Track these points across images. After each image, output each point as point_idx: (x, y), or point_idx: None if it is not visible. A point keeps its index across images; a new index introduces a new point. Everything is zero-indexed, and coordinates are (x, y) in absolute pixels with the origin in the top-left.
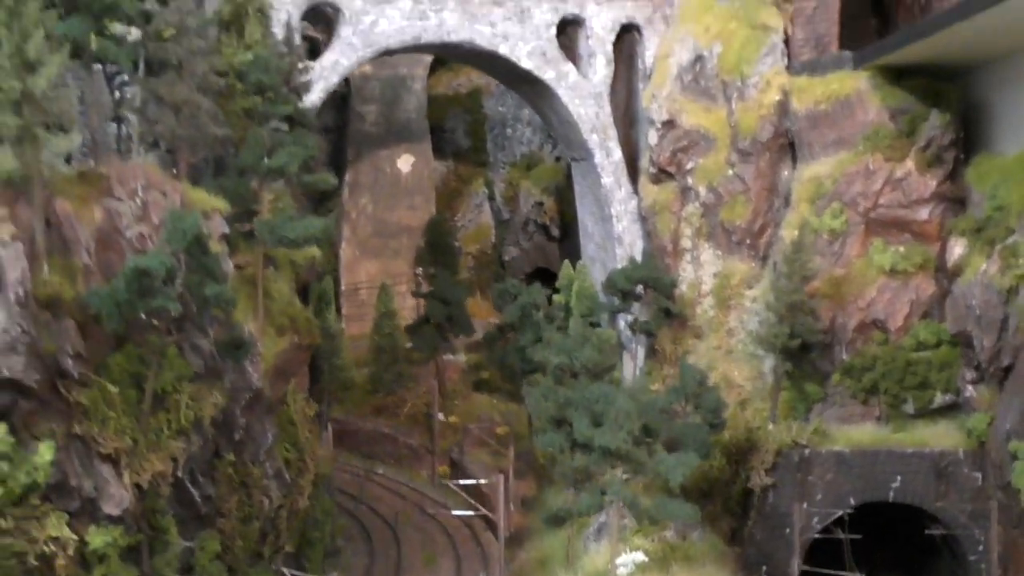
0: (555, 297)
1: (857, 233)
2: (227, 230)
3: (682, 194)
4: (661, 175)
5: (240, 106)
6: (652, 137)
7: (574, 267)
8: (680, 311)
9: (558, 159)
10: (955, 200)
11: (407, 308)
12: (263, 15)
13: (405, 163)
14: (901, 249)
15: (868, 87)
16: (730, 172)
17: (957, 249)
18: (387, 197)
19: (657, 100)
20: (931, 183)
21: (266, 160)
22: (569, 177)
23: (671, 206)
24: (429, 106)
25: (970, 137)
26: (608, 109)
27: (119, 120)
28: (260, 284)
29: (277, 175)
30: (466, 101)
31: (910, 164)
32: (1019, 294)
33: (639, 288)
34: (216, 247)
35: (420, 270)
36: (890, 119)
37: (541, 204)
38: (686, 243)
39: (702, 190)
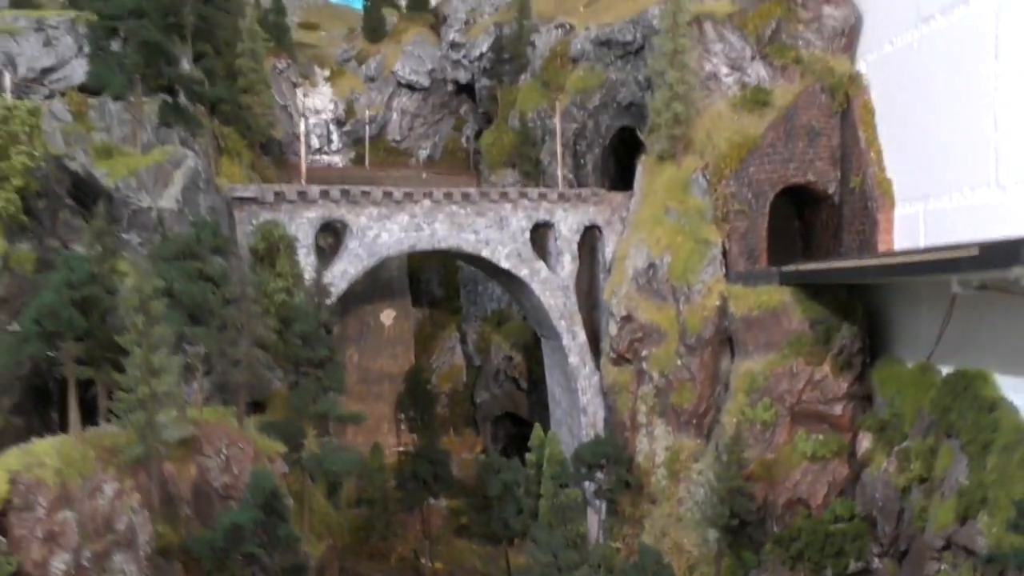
0: (528, 456)
1: (784, 423)
2: (287, 470)
3: (638, 376)
4: (620, 359)
5: (285, 351)
6: (612, 328)
7: (544, 429)
8: (637, 480)
9: (524, 318)
10: (863, 398)
11: (389, 448)
12: (291, 247)
13: (387, 317)
14: (820, 438)
15: (792, 300)
16: (679, 362)
17: (864, 442)
18: (371, 348)
19: (617, 296)
20: (843, 384)
21: (312, 406)
22: (536, 338)
23: (629, 386)
24: (408, 261)
25: (875, 343)
26: (574, 299)
27: (189, 368)
28: (306, 502)
29: (322, 417)
30: (441, 258)
31: (827, 368)
32: (912, 492)
33: (602, 461)
34: (281, 486)
35: (401, 414)
36: (809, 328)
37: (511, 358)
38: (642, 419)
39: (655, 375)
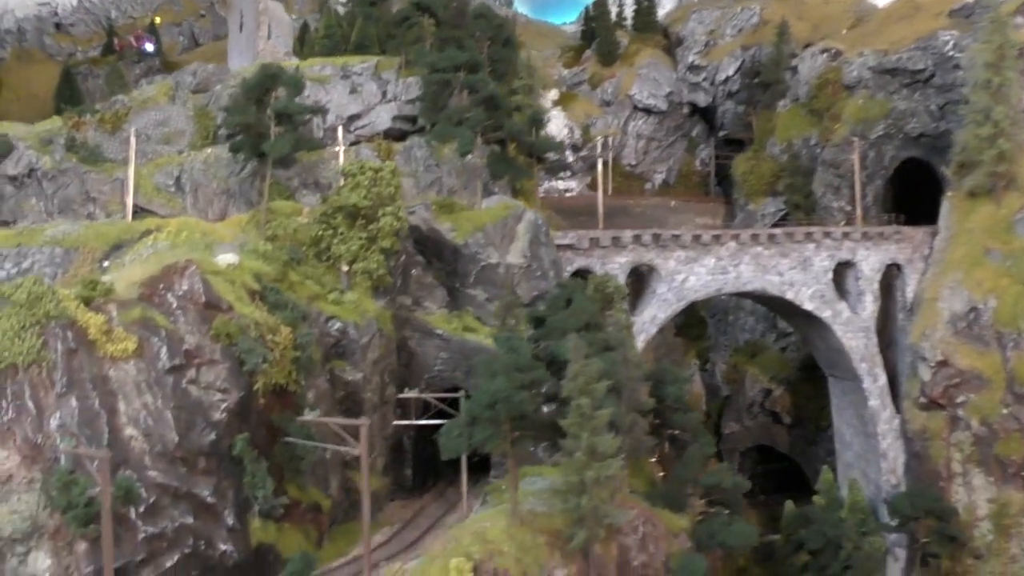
0: (815, 500)
1: None
2: (690, 544)
3: (952, 423)
4: (931, 405)
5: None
6: (924, 372)
7: (834, 472)
8: (959, 534)
9: (783, 349)
10: None
11: None
12: (624, 299)
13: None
14: None
15: None
16: (1005, 411)
17: None
18: None
19: (929, 340)
20: None
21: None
22: (804, 373)
23: (941, 433)
24: None
25: None
26: (875, 340)
27: None
28: None
29: (711, 488)
30: None
31: None
32: None
33: (920, 513)
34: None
35: None
36: None
37: (769, 391)
38: (957, 468)
39: (974, 423)
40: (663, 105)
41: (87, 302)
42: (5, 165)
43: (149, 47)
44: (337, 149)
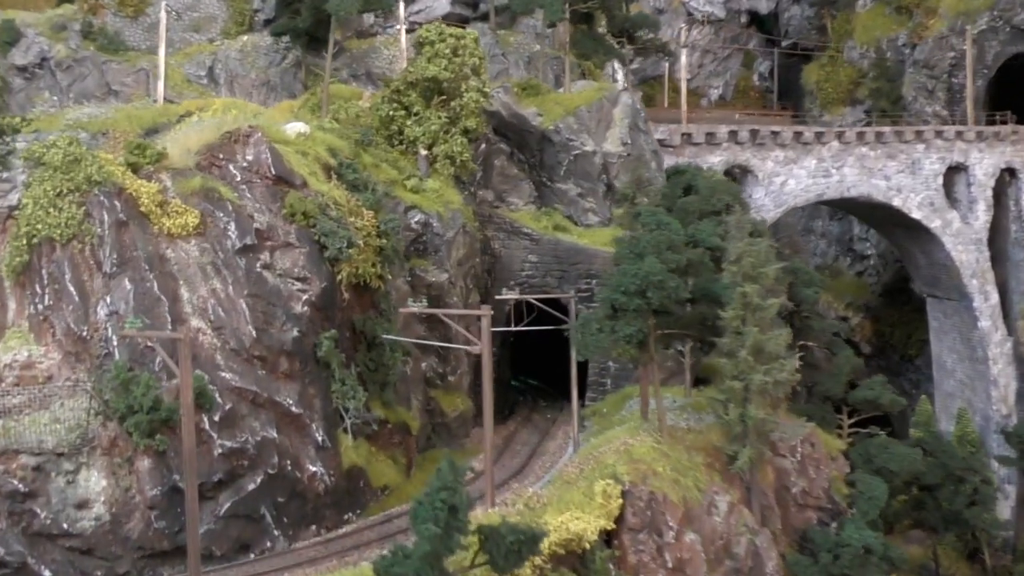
0: (912, 433)
1: None
2: (849, 471)
3: None
4: None
5: None
6: None
7: (931, 401)
8: None
9: (859, 274)
10: None
11: None
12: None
13: None
14: None
15: None
16: None
17: None
18: None
19: None
20: None
21: None
22: (885, 297)
23: None
24: None
25: None
26: (987, 254)
27: None
28: None
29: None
30: None
31: None
32: None
33: None
34: None
35: None
36: None
37: (845, 319)
38: None
39: None
40: (720, 12)
41: (135, 169)
42: (13, 54)
43: None
44: (395, 30)
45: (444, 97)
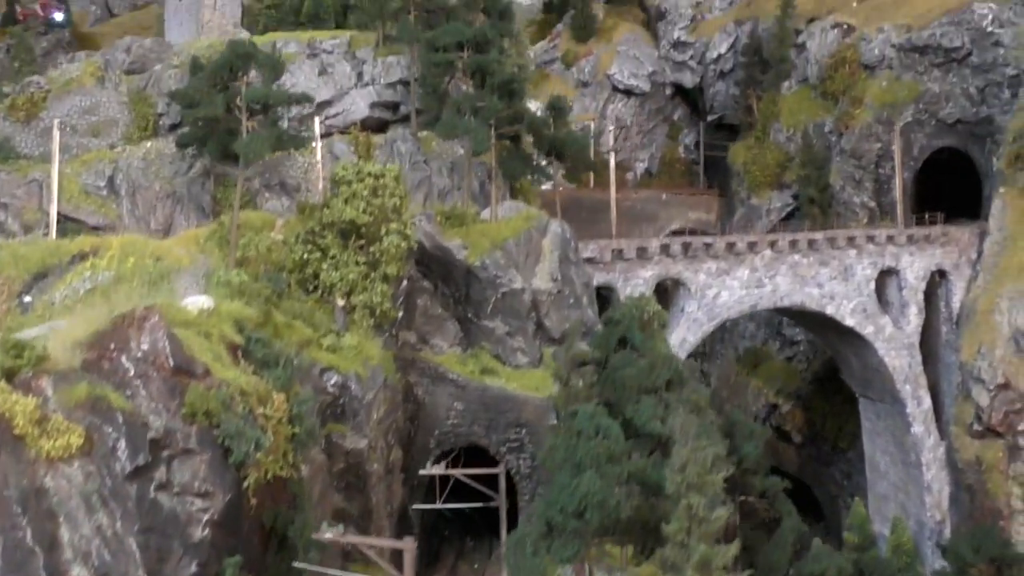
0: (845, 536)
1: None
2: None
3: (1011, 453)
4: (987, 432)
5: None
6: (981, 396)
7: (864, 506)
8: None
9: (789, 359)
10: None
11: None
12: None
13: None
14: None
15: None
16: None
17: None
18: None
19: (986, 359)
20: None
21: None
22: (816, 385)
23: (998, 464)
24: None
25: None
26: (919, 358)
27: None
28: None
29: None
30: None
31: None
32: None
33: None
34: None
35: None
36: None
37: (775, 406)
38: (1017, 503)
39: None
40: (645, 86)
41: (10, 376)
42: None
43: (58, 16)
44: (314, 146)
45: (363, 241)
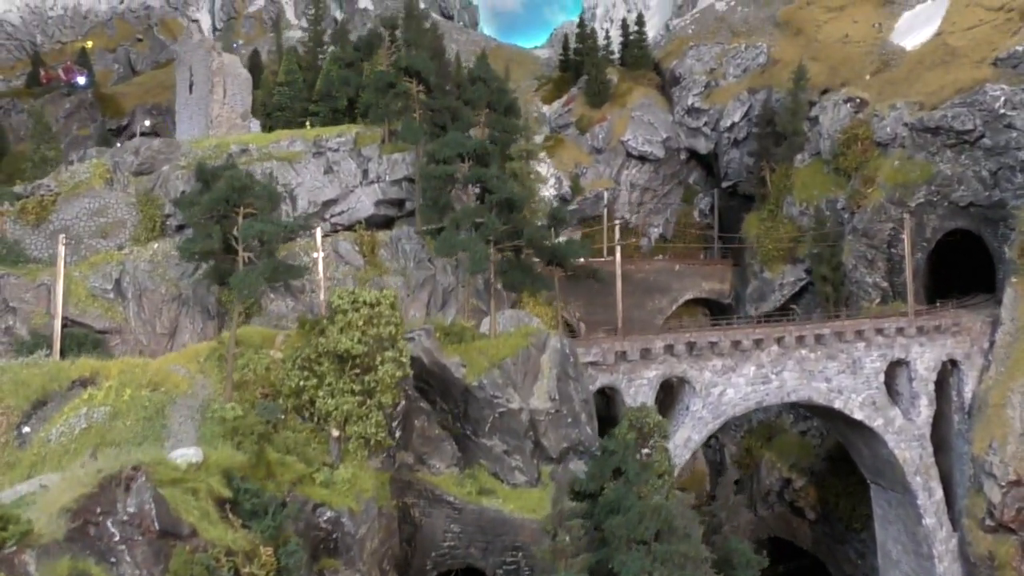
0: None
1: None
2: None
3: (1023, 549)
4: (999, 528)
5: None
6: (993, 492)
7: None
8: None
9: (803, 433)
10: None
11: None
12: (665, 435)
13: None
14: None
15: None
16: None
17: None
18: None
19: (998, 454)
20: None
21: None
22: (830, 463)
23: (1011, 561)
24: None
25: None
26: (930, 449)
27: None
28: None
29: None
30: None
31: None
32: None
33: None
34: None
35: None
36: None
37: (789, 481)
38: None
39: None
40: (659, 152)
41: None
42: None
43: (80, 80)
44: (314, 256)
45: (358, 370)
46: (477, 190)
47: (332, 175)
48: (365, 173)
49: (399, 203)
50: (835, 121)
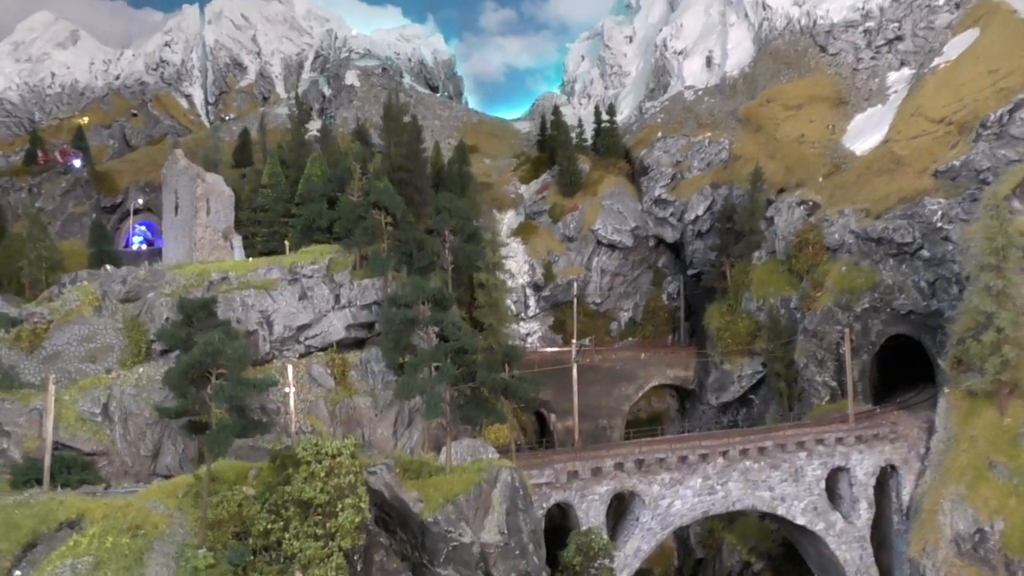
0: None
1: None
2: None
3: None
4: None
5: None
6: None
7: None
8: None
9: (762, 517)
10: None
11: None
12: (610, 557)
13: None
14: None
15: None
16: None
17: None
18: None
19: (931, 558)
20: None
21: None
22: (786, 548)
23: None
24: None
25: None
26: (870, 550)
27: None
28: None
29: None
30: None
31: None
32: None
33: None
34: None
35: None
36: None
37: (749, 563)
38: None
39: None
40: (628, 241)
41: None
42: None
43: (76, 162)
44: (282, 385)
45: (320, 515)
46: (437, 329)
47: (306, 300)
48: (337, 298)
49: (369, 326)
50: (789, 223)
